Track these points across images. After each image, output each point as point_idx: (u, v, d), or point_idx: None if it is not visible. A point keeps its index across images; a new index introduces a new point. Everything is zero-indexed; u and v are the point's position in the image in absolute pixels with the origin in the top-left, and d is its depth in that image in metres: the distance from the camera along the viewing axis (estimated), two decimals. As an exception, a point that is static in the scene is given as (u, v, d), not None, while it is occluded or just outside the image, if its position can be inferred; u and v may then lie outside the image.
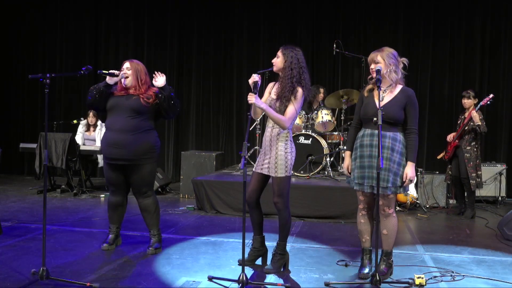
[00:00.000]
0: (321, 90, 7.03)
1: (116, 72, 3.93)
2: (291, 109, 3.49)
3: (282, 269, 3.62)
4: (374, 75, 3.40)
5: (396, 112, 3.40)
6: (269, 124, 3.62)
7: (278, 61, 3.56)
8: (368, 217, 3.60)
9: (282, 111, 3.51)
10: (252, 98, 3.35)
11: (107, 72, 3.90)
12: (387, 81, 3.47)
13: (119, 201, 4.11)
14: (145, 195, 4.05)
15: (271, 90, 3.66)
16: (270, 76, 5.86)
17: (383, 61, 3.42)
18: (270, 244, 3.94)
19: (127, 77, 3.94)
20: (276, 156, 3.53)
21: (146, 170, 3.97)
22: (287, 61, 3.52)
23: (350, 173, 3.59)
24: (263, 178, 3.63)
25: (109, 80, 3.92)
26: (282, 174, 3.53)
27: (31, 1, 9.21)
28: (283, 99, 3.50)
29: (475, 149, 5.80)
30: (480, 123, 5.66)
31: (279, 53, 3.57)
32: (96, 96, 3.92)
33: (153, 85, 3.96)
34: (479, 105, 5.75)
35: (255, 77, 3.47)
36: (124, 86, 3.96)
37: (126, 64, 3.99)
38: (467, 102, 5.89)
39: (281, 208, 3.55)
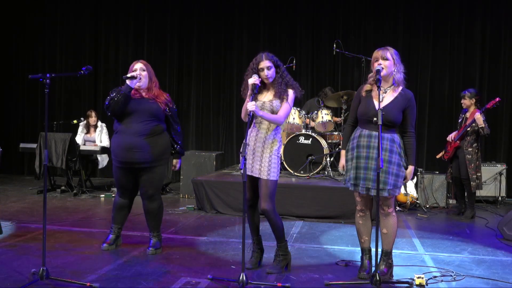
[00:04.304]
0: (331, 92, 7.14)
1: (135, 74, 3.87)
2: (286, 106, 3.55)
3: (284, 269, 3.62)
4: (382, 70, 3.36)
5: (396, 115, 3.39)
6: (263, 126, 3.58)
7: (272, 72, 3.55)
8: (366, 218, 3.60)
9: (278, 111, 3.54)
10: (252, 107, 3.35)
11: (129, 75, 3.84)
12: (390, 81, 3.45)
13: (125, 204, 4.11)
14: (151, 198, 4.02)
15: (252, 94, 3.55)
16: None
17: (392, 59, 3.40)
18: (270, 244, 3.94)
19: (141, 79, 3.90)
20: (270, 159, 3.51)
21: (157, 173, 3.97)
22: (279, 67, 3.59)
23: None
24: (255, 180, 3.61)
25: (131, 83, 3.85)
26: (274, 178, 3.52)
27: (31, 1, 9.21)
28: (279, 100, 3.54)
29: (476, 151, 5.79)
30: (483, 125, 5.64)
31: (269, 64, 3.54)
32: (124, 103, 3.81)
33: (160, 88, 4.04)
34: (484, 108, 5.73)
35: (255, 79, 3.47)
36: (136, 87, 3.90)
37: (139, 65, 3.93)
38: (463, 102, 5.90)
39: (270, 213, 3.50)
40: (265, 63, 3.53)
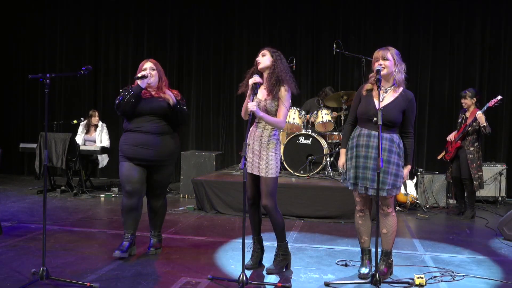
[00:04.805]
0: (331, 91, 7.13)
1: (145, 73, 3.83)
2: (282, 108, 3.54)
3: (284, 269, 3.62)
4: (383, 70, 3.36)
5: (396, 115, 3.39)
6: (260, 124, 3.58)
7: (265, 59, 3.55)
8: (366, 218, 3.60)
9: (273, 110, 3.53)
10: (253, 107, 3.36)
11: (140, 75, 3.81)
12: (391, 81, 3.45)
13: (134, 204, 3.86)
14: (158, 196, 4.05)
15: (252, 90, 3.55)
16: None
17: (393, 59, 3.39)
18: (270, 244, 3.94)
19: (151, 77, 3.86)
20: (267, 157, 3.52)
21: (167, 172, 4.01)
22: (276, 60, 3.55)
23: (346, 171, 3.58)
24: (256, 178, 3.61)
25: (142, 83, 3.80)
26: (273, 175, 3.52)
27: (31, 1, 9.21)
28: (272, 96, 3.52)
29: (478, 150, 5.80)
30: (485, 124, 5.64)
31: (265, 52, 3.57)
32: (135, 103, 3.77)
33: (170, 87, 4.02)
34: (486, 107, 5.73)
35: (256, 79, 3.47)
36: (146, 85, 3.85)
37: (149, 64, 3.89)
38: (464, 102, 5.90)
39: (271, 210, 3.51)
40: (261, 51, 3.59)
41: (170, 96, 3.88)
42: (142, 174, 3.88)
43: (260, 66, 3.56)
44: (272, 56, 3.56)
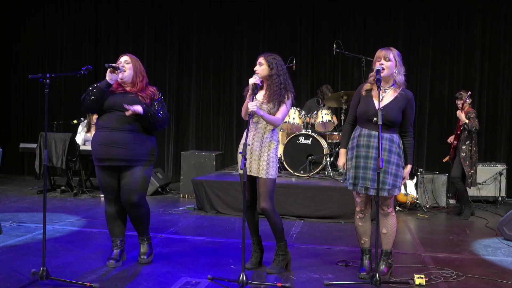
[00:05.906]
0: (327, 89, 7.14)
1: (117, 65, 3.62)
2: (283, 108, 3.55)
3: (284, 269, 3.62)
4: (383, 71, 3.36)
5: (396, 115, 3.39)
6: (261, 126, 3.58)
7: (261, 69, 3.54)
8: (366, 219, 3.60)
9: (273, 113, 3.54)
10: (254, 107, 3.35)
11: (113, 65, 3.58)
12: (390, 82, 3.45)
13: (116, 212, 3.69)
14: (137, 205, 3.60)
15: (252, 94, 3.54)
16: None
17: (394, 61, 3.40)
18: (271, 244, 3.94)
19: (124, 71, 3.64)
20: (268, 158, 3.52)
21: (140, 175, 3.58)
22: (273, 68, 3.53)
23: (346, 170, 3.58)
24: (253, 180, 3.61)
25: (112, 78, 3.57)
26: (273, 176, 3.53)
27: (31, 1, 9.21)
28: (274, 104, 3.53)
29: (470, 148, 5.83)
30: (467, 121, 5.69)
31: (262, 61, 3.55)
32: (99, 98, 3.55)
33: (150, 85, 3.78)
34: (462, 105, 5.80)
35: (256, 79, 3.47)
36: (120, 81, 3.64)
37: (125, 58, 3.69)
38: (461, 103, 5.91)
39: (270, 212, 3.50)
40: (259, 59, 3.59)
41: (143, 101, 3.61)
42: (116, 177, 3.64)
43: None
44: (269, 66, 3.54)
